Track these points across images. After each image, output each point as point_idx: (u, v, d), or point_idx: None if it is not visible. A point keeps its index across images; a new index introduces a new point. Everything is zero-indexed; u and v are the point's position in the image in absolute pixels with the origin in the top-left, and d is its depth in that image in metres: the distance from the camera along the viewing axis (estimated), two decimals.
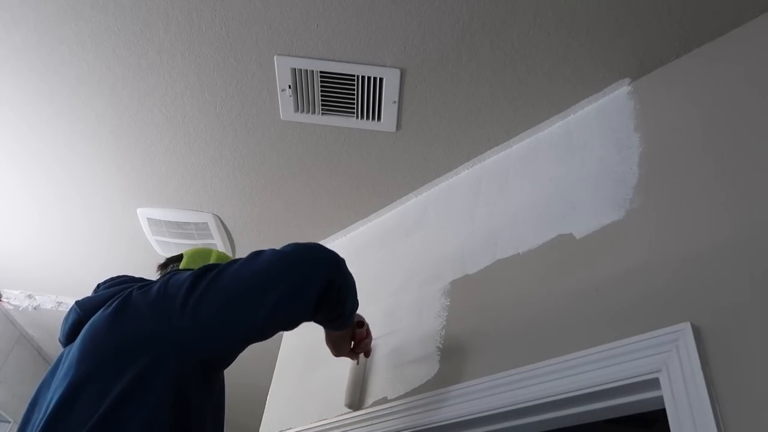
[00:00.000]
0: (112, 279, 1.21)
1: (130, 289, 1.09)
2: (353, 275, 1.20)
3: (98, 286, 1.21)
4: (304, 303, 1.04)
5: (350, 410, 1.59)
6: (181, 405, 0.95)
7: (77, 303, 1.15)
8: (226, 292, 1.01)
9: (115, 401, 0.92)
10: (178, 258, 1.33)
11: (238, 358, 1.09)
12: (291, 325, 1.10)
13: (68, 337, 1.13)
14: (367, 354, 1.46)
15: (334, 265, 1.10)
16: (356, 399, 1.59)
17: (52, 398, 0.97)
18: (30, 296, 2.65)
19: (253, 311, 1.01)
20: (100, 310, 1.07)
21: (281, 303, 1.02)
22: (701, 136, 1.31)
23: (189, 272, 1.07)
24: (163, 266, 1.33)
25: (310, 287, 1.04)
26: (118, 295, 1.08)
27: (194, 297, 1.00)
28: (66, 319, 1.16)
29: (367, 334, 1.41)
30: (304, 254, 1.08)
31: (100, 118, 1.83)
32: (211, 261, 1.30)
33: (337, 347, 1.37)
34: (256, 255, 1.08)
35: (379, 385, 1.59)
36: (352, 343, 1.38)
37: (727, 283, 1.08)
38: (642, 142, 1.42)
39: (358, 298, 1.25)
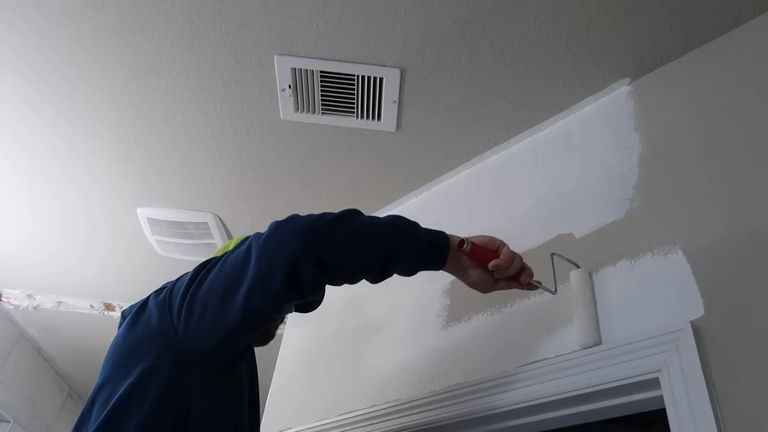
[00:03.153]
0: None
1: (149, 296, 1.08)
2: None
3: None
4: (273, 289, 0.94)
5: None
6: (181, 406, 0.94)
7: (122, 312, 1.14)
8: (207, 289, 0.98)
9: (116, 404, 0.93)
10: None
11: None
12: (276, 311, 1.00)
13: None
14: (523, 276, 1.11)
15: (300, 239, 0.94)
16: (594, 333, 1.19)
17: None
18: (30, 296, 2.65)
19: (231, 305, 0.95)
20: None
21: (252, 293, 0.94)
22: (701, 135, 1.31)
23: (190, 272, 1.05)
24: None
25: (274, 272, 0.93)
26: (140, 302, 1.08)
27: (189, 295, 0.99)
28: None
29: (498, 253, 1.06)
30: (270, 235, 0.98)
31: (100, 117, 1.83)
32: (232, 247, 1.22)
33: (474, 284, 1.10)
34: (240, 243, 1.03)
35: (376, 386, 1.59)
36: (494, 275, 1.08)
37: (727, 283, 1.08)
38: (642, 142, 1.42)
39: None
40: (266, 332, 1.23)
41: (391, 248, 1.01)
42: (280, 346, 2.09)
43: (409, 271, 1.05)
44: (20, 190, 2.13)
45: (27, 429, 3.05)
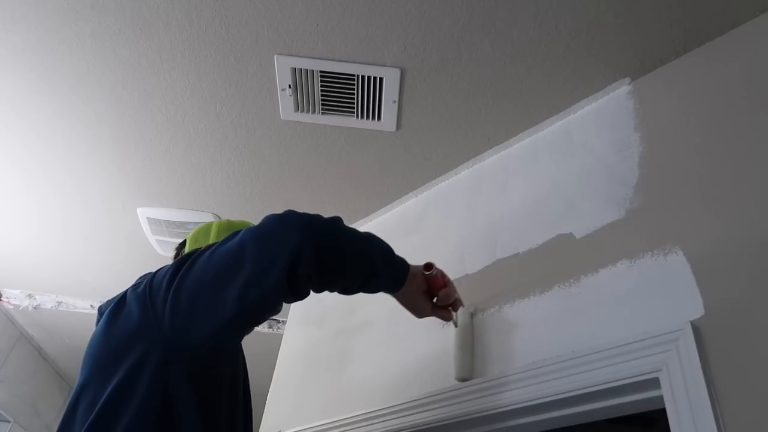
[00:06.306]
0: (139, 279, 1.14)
1: (125, 291, 1.05)
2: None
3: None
4: (272, 283, 0.90)
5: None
6: (167, 404, 0.91)
7: (99, 308, 1.11)
8: (196, 281, 0.94)
9: (104, 404, 0.90)
10: (184, 243, 1.25)
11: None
12: (270, 309, 0.97)
13: None
14: (456, 306, 1.25)
15: (303, 233, 0.93)
16: (468, 368, 1.35)
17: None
18: (30, 296, 2.65)
19: (222, 299, 0.92)
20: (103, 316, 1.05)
21: (248, 286, 0.90)
22: (701, 135, 1.31)
23: (171, 264, 1.02)
24: (175, 256, 1.26)
25: (275, 265, 0.90)
26: (117, 298, 1.05)
27: (172, 290, 0.94)
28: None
29: (446, 282, 1.20)
30: (270, 228, 0.95)
31: (100, 117, 1.83)
32: (211, 236, 1.20)
33: (414, 308, 1.19)
34: (229, 237, 0.98)
35: (375, 386, 1.59)
36: (434, 299, 1.20)
37: (727, 283, 1.08)
38: (642, 141, 1.42)
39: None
40: None
41: (377, 259, 1.06)
42: (280, 346, 2.09)
43: (377, 286, 1.10)
44: (21, 192, 2.13)
45: (27, 429, 3.05)
